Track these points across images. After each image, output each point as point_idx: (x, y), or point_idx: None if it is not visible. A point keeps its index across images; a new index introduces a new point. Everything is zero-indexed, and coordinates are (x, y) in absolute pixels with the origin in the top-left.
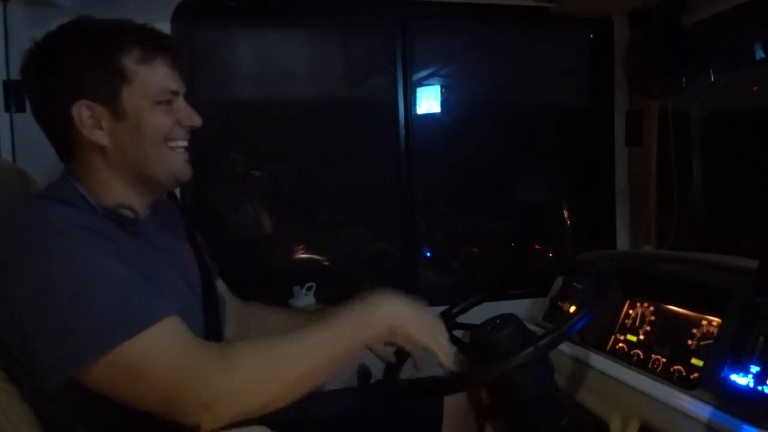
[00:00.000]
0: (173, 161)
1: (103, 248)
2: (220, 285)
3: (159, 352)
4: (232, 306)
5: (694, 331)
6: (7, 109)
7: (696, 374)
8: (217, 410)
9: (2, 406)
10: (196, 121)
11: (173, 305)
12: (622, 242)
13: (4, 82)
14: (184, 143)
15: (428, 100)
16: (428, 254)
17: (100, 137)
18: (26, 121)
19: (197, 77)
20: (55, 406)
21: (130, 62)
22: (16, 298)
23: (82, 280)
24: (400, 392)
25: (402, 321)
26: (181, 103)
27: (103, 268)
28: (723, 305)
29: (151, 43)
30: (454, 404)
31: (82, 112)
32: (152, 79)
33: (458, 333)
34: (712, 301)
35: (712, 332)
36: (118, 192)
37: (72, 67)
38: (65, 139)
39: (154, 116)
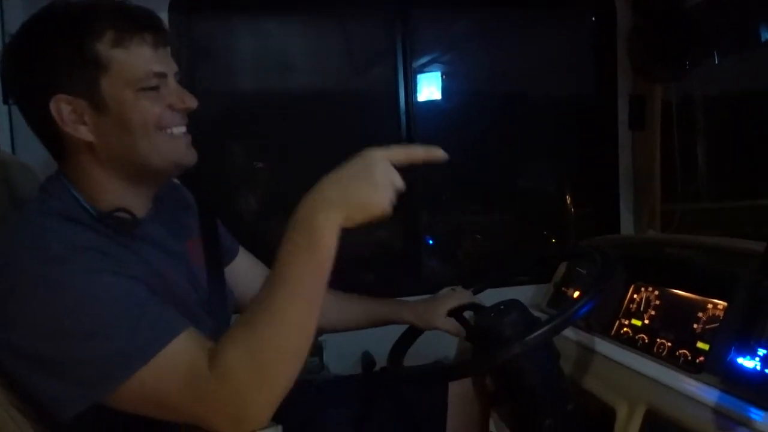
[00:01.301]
0: (171, 148)
1: (104, 267)
2: (245, 260)
3: (172, 376)
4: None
5: (700, 314)
6: (6, 100)
7: (702, 358)
8: (248, 419)
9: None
10: (190, 102)
11: (181, 314)
12: (626, 228)
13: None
14: (182, 128)
15: (429, 87)
16: (431, 242)
17: (85, 133)
18: None
19: (196, 68)
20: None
21: (103, 47)
22: (19, 329)
23: (87, 306)
24: (404, 379)
25: (347, 211)
26: (171, 85)
27: (107, 291)
28: (728, 288)
29: (125, 22)
30: (458, 391)
31: (61, 107)
32: (131, 63)
33: (469, 314)
34: (718, 285)
35: (718, 316)
36: (115, 191)
37: (44, 60)
38: (51, 138)
39: (140, 105)
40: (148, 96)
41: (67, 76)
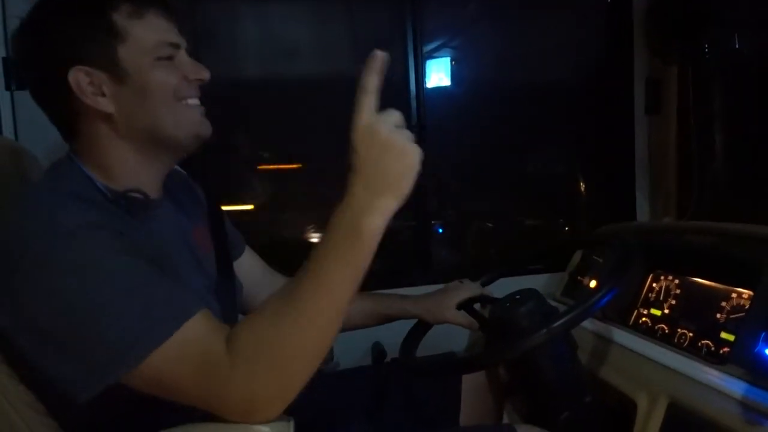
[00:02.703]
0: (189, 117)
1: (117, 246)
2: (251, 258)
3: (185, 358)
4: (274, 280)
5: (723, 304)
6: (8, 87)
7: (726, 349)
8: (259, 409)
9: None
10: (204, 74)
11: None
12: (642, 214)
13: (4, 59)
14: (196, 100)
15: (438, 74)
16: (440, 230)
17: (105, 104)
18: (28, 98)
19: (201, 54)
20: (82, 415)
21: (120, 18)
22: (30, 307)
23: (100, 285)
24: (419, 371)
25: (394, 202)
26: (183, 57)
27: (120, 269)
28: (754, 277)
29: None
30: (472, 381)
31: (80, 78)
32: (147, 33)
33: (477, 306)
34: (742, 273)
35: (743, 305)
36: (130, 168)
37: (61, 34)
38: (67, 114)
39: (158, 73)
40: (164, 65)
41: (86, 47)
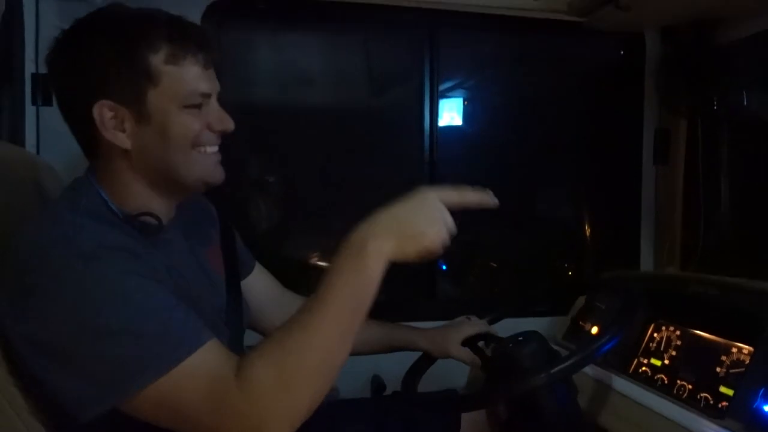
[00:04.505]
0: (202, 165)
1: (134, 269)
2: (261, 275)
3: (194, 385)
4: (284, 297)
5: (723, 358)
6: (34, 102)
7: (725, 403)
8: None
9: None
10: (228, 125)
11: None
12: (646, 262)
13: (33, 75)
14: (215, 148)
15: (450, 112)
16: (444, 267)
17: (122, 140)
18: (52, 114)
19: (221, 80)
20: None
21: (157, 61)
22: (44, 324)
23: (117, 305)
24: (419, 406)
25: (399, 242)
26: (212, 105)
27: (137, 292)
28: (755, 332)
29: (181, 39)
30: (471, 418)
31: (104, 112)
32: (181, 80)
33: (481, 344)
34: (744, 328)
35: (743, 360)
36: (142, 196)
37: (95, 64)
38: (88, 138)
39: (182, 120)
40: (190, 113)
41: (116, 83)
